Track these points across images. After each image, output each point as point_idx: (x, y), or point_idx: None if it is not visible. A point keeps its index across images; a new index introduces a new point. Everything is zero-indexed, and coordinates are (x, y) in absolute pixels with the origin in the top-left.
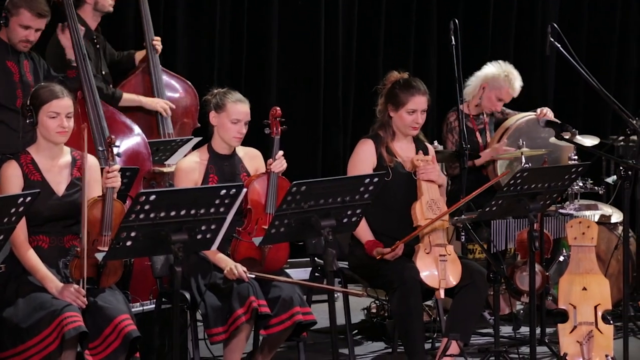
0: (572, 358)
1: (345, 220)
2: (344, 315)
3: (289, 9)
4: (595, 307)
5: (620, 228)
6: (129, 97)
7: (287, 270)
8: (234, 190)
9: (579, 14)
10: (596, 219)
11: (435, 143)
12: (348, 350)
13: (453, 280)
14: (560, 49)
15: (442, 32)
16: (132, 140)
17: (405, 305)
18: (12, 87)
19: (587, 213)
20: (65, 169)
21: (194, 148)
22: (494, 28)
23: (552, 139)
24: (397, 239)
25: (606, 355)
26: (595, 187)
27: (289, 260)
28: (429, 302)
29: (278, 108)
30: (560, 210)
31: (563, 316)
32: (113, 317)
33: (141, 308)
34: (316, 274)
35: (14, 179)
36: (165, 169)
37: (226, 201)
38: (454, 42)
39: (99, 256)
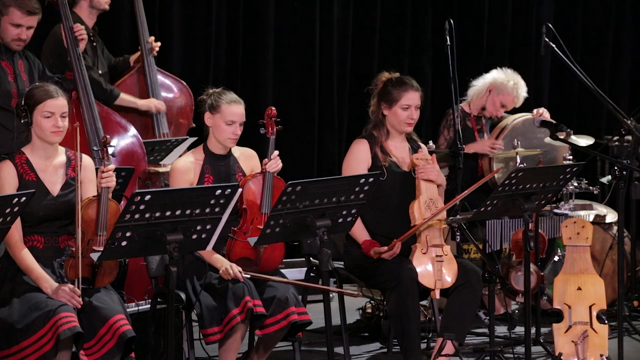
0: (567, 358)
1: (340, 220)
2: (339, 315)
3: (284, 9)
4: (590, 307)
5: (615, 228)
6: (125, 98)
7: (283, 270)
8: (229, 190)
9: (573, 15)
10: (591, 219)
11: (430, 143)
12: (343, 350)
13: (449, 280)
14: (555, 49)
15: (437, 33)
16: (127, 140)
17: (402, 305)
18: (6, 87)
19: (582, 213)
20: (60, 169)
21: (190, 148)
22: (489, 28)
23: (547, 139)
24: (393, 238)
25: (601, 355)
26: (590, 187)
27: (284, 260)
28: (424, 302)
29: (273, 108)
30: (555, 210)
31: (558, 316)
32: (108, 317)
33: (136, 308)
34: (311, 274)
35: (8, 179)
36: (160, 169)
37: (221, 201)
38: (449, 43)
39: (94, 256)
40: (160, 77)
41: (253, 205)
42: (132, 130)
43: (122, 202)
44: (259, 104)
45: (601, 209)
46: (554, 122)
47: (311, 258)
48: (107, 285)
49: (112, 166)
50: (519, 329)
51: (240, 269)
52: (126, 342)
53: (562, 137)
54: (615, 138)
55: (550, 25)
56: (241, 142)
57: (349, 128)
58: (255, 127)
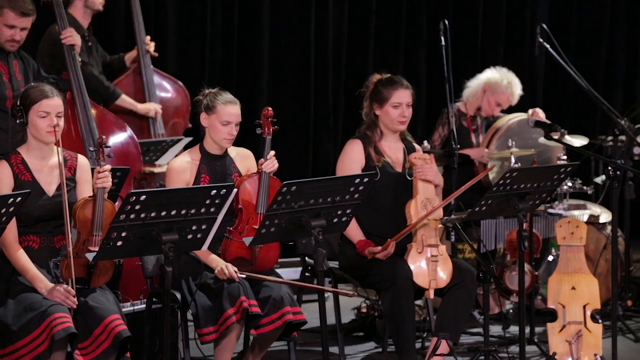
0: (561, 357)
1: (335, 220)
2: (335, 314)
3: (279, 9)
4: (584, 307)
5: (609, 228)
6: (126, 100)
7: (278, 270)
8: (224, 190)
9: (568, 15)
10: (585, 219)
11: (425, 143)
12: (338, 350)
13: (444, 280)
14: (549, 49)
15: (431, 33)
16: (123, 140)
17: (398, 305)
18: (1, 88)
19: (576, 213)
20: (55, 169)
21: (185, 148)
22: (484, 29)
23: (542, 139)
24: (387, 238)
25: (595, 355)
26: (584, 187)
27: (279, 260)
28: (419, 302)
29: (270, 108)
30: (550, 210)
31: (552, 315)
32: (103, 317)
33: (132, 308)
34: (306, 274)
35: (4, 179)
36: (155, 169)
37: (217, 201)
38: (443, 43)
39: (90, 256)
40: (157, 77)
41: (249, 205)
42: (128, 131)
43: (118, 202)
44: (254, 104)
45: (595, 209)
46: (548, 122)
47: (306, 258)
48: (103, 285)
49: (108, 167)
50: (514, 329)
51: (235, 268)
52: (121, 342)
53: (556, 137)
54: (609, 138)
55: (544, 25)
56: (237, 142)
57: (344, 127)
58: (251, 127)
